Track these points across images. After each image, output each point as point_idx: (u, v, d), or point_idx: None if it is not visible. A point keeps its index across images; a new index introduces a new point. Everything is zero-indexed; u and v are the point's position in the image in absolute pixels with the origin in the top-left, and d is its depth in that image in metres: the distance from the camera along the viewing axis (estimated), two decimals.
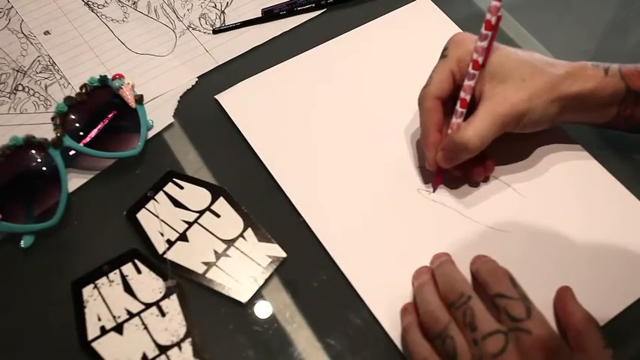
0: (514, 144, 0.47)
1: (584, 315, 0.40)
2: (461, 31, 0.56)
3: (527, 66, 0.44)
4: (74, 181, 0.48)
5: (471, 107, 0.44)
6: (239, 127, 0.50)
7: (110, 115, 0.49)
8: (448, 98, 0.45)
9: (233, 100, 0.52)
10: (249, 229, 0.46)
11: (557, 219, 0.46)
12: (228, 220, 0.46)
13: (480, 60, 0.43)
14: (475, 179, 0.47)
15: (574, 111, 0.45)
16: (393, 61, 0.55)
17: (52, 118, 0.47)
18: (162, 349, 0.41)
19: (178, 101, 0.53)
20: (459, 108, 0.44)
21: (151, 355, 0.40)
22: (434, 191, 0.47)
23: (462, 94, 0.44)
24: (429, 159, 0.45)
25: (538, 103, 0.43)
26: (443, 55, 0.46)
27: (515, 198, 0.47)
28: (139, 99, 0.49)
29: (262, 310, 0.43)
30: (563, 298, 0.41)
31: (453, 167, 0.45)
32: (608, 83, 0.44)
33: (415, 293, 0.42)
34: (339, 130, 0.50)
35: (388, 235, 0.45)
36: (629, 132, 0.48)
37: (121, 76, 0.49)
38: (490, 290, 0.39)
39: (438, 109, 0.45)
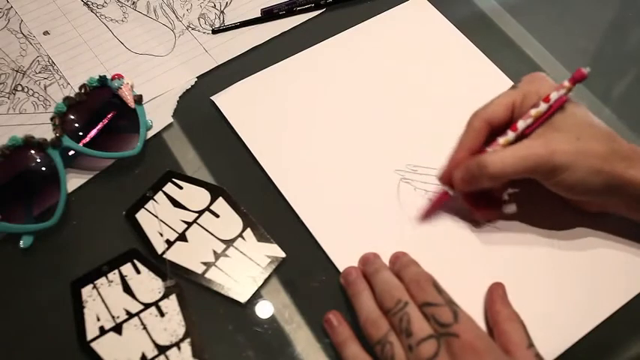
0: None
1: (509, 314, 0.40)
2: (455, 29, 0.56)
3: (589, 128, 0.40)
4: (73, 181, 0.48)
5: None
6: (235, 128, 0.50)
7: (109, 115, 0.49)
8: (498, 127, 0.42)
9: (229, 101, 0.52)
10: (249, 229, 0.46)
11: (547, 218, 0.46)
12: (228, 220, 0.46)
13: (542, 107, 0.40)
14: (479, 218, 0.45)
15: (621, 197, 0.41)
16: (388, 61, 0.54)
17: (52, 119, 0.47)
18: (162, 350, 0.41)
19: (177, 101, 0.53)
20: (500, 140, 0.42)
21: (150, 356, 0.40)
22: (422, 220, 0.45)
23: (508, 131, 0.41)
24: (444, 172, 0.44)
25: (581, 166, 0.39)
26: (513, 87, 0.43)
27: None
28: (138, 99, 0.49)
29: (261, 310, 0.43)
30: (492, 296, 0.42)
31: (463, 196, 0.44)
32: None
33: (352, 300, 0.41)
34: (335, 130, 0.50)
35: (387, 236, 0.45)
36: None
37: (120, 76, 0.49)
38: (416, 300, 0.39)
39: (481, 131, 0.42)
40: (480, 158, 0.41)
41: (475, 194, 0.44)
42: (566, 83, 0.40)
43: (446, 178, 0.44)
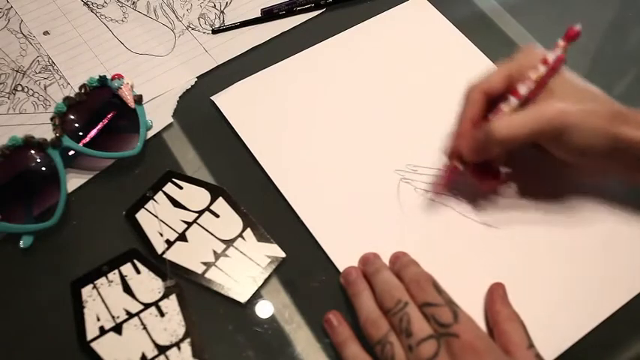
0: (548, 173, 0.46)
1: (509, 314, 0.40)
2: (455, 29, 0.56)
3: (587, 92, 0.41)
4: (73, 181, 0.48)
5: None
6: (235, 128, 0.50)
7: (109, 115, 0.49)
8: (495, 98, 0.43)
9: (229, 101, 0.52)
10: (249, 229, 0.46)
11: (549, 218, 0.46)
12: (228, 220, 0.46)
13: (541, 70, 0.40)
14: (483, 189, 0.46)
15: (621, 158, 0.41)
16: (388, 61, 0.54)
17: (52, 119, 0.47)
18: (162, 349, 0.41)
19: (177, 101, 0.53)
20: (503, 107, 0.41)
21: (150, 356, 0.40)
22: (438, 191, 0.46)
23: (510, 96, 0.41)
24: (451, 147, 0.44)
25: (588, 126, 0.39)
26: (510, 59, 0.43)
27: (513, 197, 0.47)
28: (138, 99, 0.49)
29: (261, 310, 0.43)
30: (492, 296, 0.42)
31: (469, 168, 0.44)
32: None
33: (352, 300, 0.41)
34: (335, 130, 0.50)
35: (387, 236, 0.45)
36: None
37: (120, 76, 0.49)
38: (416, 300, 0.39)
39: (480, 102, 0.43)
40: (489, 125, 0.41)
41: (479, 168, 0.44)
42: (561, 42, 0.40)
43: (454, 152, 0.44)
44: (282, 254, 0.45)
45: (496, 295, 0.42)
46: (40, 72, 0.54)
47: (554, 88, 0.41)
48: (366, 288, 0.41)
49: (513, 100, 0.41)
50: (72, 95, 0.48)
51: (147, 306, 0.42)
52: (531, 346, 0.38)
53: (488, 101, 0.43)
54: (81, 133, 0.48)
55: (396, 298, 0.39)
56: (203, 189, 0.47)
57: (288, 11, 0.58)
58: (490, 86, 0.43)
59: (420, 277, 0.40)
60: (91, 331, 0.41)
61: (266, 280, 0.44)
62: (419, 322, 0.38)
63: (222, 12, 0.59)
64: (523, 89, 0.41)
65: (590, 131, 0.39)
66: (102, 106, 0.49)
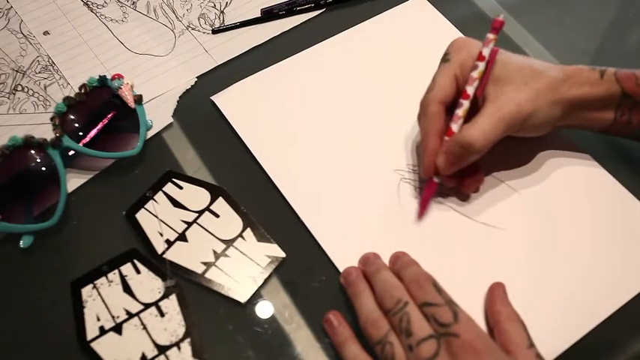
0: (519, 149, 0.47)
1: (510, 314, 0.40)
2: (455, 29, 0.56)
3: (528, 69, 0.43)
4: (73, 181, 0.48)
5: (473, 112, 0.44)
6: (235, 128, 0.50)
7: (109, 115, 0.49)
8: (451, 104, 0.44)
9: (229, 101, 0.52)
10: (249, 229, 0.46)
11: (553, 217, 0.46)
12: (228, 220, 0.46)
13: (481, 66, 0.43)
14: (466, 191, 0.46)
15: (573, 115, 0.45)
16: (388, 61, 0.55)
17: (52, 119, 0.47)
18: (162, 349, 0.41)
19: (177, 101, 0.53)
20: (459, 112, 0.43)
21: (150, 355, 0.40)
22: (419, 217, 0.46)
23: (462, 101, 0.43)
24: (426, 165, 0.44)
25: (542, 105, 0.43)
26: (445, 60, 0.45)
27: (513, 197, 0.47)
28: (138, 99, 0.49)
29: (261, 310, 0.43)
30: (492, 296, 0.42)
31: (446, 178, 0.44)
32: (603, 87, 0.44)
33: (352, 300, 0.41)
34: (335, 130, 0.50)
35: (387, 236, 0.45)
36: (630, 139, 0.48)
37: (120, 76, 0.49)
38: (416, 300, 0.39)
39: (441, 114, 0.44)
40: (460, 138, 0.42)
41: (456, 174, 0.45)
42: (491, 36, 0.44)
43: (429, 169, 0.44)
44: (282, 254, 0.45)
45: (496, 294, 0.42)
46: (40, 72, 0.54)
47: (497, 74, 0.43)
48: (366, 288, 0.41)
49: (465, 103, 0.43)
50: (72, 95, 0.48)
51: (147, 306, 0.42)
52: (532, 345, 0.38)
53: (446, 109, 0.44)
54: (81, 133, 0.48)
55: (396, 297, 0.39)
56: (203, 189, 0.47)
57: (288, 11, 0.58)
58: (445, 94, 0.44)
59: (419, 277, 0.40)
60: (91, 331, 0.41)
61: (266, 280, 0.44)
62: (419, 321, 0.38)
63: (222, 12, 0.59)
64: (471, 90, 0.43)
65: (546, 108, 0.43)
66: (102, 106, 0.49)
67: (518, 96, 0.42)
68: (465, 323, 0.37)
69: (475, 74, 0.43)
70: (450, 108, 0.44)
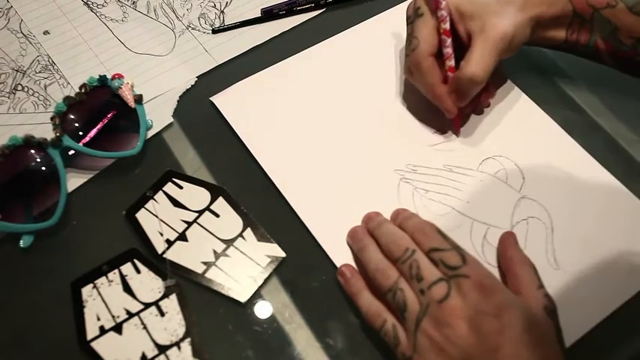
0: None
1: (521, 258, 0.42)
2: None
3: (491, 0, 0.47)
4: (73, 180, 0.48)
5: (459, 54, 0.47)
6: (234, 129, 0.50)
7: (109, 115, 0.49)
8: (438, 53, 0.47)
9: (228, 102, 0.52)
10: (249, 229, 0.46)
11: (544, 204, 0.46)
12: (228, 219, 0.46)
13: (445, 13, 0.46)
14: (483, 107, 0.51)
15: (533, 33, 0.48)
16: (388, 60, 0.55)
17: (52, 118, 0.47)
18: (162, 349, 0.41)
19: (178, 101, 0.53)
20: (449, 50, 0.47)
21: (150, 355, 0.40)
22: (457, 135, 0.50)
23: (445, 38, 0.47)
24: (448, 106, 0.47)
25: (519, 26, 0.46)
26: (418, 14, 0.48)
27: (513, 197, 0.47)
28: (139, 99, 0.49)
29: (261, 309, 0.43)
30: (505, 244, 0.43)
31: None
32: (559, 6, 0.47)
33: (360, 255, 0.43)
34: (335, 130, 0.50)
35: None
36: (585, 58, 0.50)
37: (120, 76, 0.49)
38: (423, 246, 0.40)
39: (435, 65, 0.47)
40: (462, 75, 0.45)
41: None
42: None
43: (452, 109, 0.48)
44: (282, 254, 0.45)
45: (508, 242, 0.43)
46: (40, 71, 0.54)
47: (470, 10, 0.46)
48: (372, 242, 0.43)
49: (449, 40, 0.47)
50: (72, 95, 0.48)
51: (147, 305, 0.42)
52: (541, 286, 0.40)
53: (436, 59, 0.47)
54: (81, 133, 0.48)
55: (403, 246, 0.40)
56: (203, 189, 0.47)
57: (288, 11, 0.58)
58: (432, 46, 0.47)
59: (424, 225, 0.42)
60: (91, 330, 0.41)
61: (266, 280, 0.44)
62: (428, 267, 0.39)
63: (222, 12, 0.59)
64: (447, 25, 0.46)
65: (522, 28, 0.46)
66: (102, 106, 0.49)
67: (500, 22, 0.46)
68: (473, 265, 0.38)
69: (444, 12, 0.46)
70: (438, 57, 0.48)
